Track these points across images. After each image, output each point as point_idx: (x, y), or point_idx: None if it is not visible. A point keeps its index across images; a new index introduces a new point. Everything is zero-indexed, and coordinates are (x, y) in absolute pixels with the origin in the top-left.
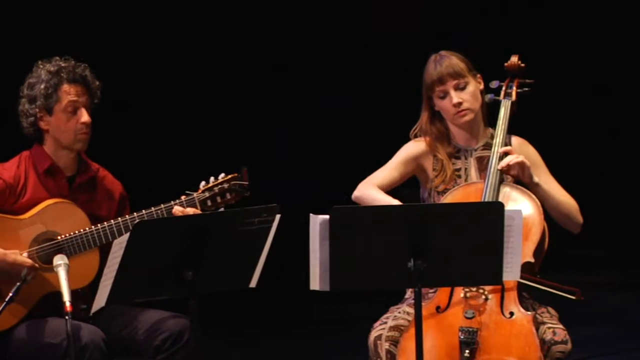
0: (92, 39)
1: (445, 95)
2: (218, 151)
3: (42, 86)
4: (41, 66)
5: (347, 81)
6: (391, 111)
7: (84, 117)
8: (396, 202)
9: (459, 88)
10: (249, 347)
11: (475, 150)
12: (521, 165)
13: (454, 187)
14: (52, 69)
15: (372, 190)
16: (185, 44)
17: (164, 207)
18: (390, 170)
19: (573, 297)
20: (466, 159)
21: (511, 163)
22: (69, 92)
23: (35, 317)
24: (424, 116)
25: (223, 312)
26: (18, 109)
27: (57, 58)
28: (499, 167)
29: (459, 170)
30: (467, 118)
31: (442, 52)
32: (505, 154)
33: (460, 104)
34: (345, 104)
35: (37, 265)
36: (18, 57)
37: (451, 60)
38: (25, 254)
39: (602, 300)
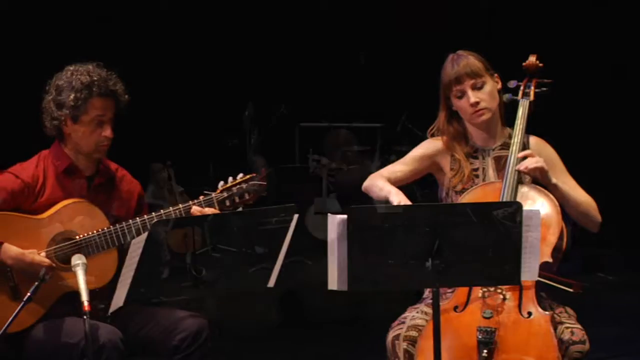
0: (98, 38)
1: (462, 94)
2: (224, 151)
3: (73, 96)
4: (72, 70)
5: (348, 81)
6: (391, 111)
7: (107, 131)
8: (395, 190)
9: (476, 87)
10: (265, 346)
11: (493, 150)
12: (540, 170)
13: (471, 186)
14: (84, 79)
15: (379, 181)
16: (188, 45)
17: (182, 207)
18: (402, 165)
19: (571, 290)
20: (484, 158)
21: (530, 167)
22: (97, 106)
23: (53, 316)
24: (442, 116)
25: (239, 312)
26: (42, 103)
27: (90, 68)
28: (517, 168)
29: (476, 170)
30: (484, 117)
31: (460, 52)
32: (525, 156)
33: (477, 103)
34: (345, 104)
35: (54, 264)
36: (17, 57)
37: (468, 60)
38: (43, 254)
39: (619, 300)
